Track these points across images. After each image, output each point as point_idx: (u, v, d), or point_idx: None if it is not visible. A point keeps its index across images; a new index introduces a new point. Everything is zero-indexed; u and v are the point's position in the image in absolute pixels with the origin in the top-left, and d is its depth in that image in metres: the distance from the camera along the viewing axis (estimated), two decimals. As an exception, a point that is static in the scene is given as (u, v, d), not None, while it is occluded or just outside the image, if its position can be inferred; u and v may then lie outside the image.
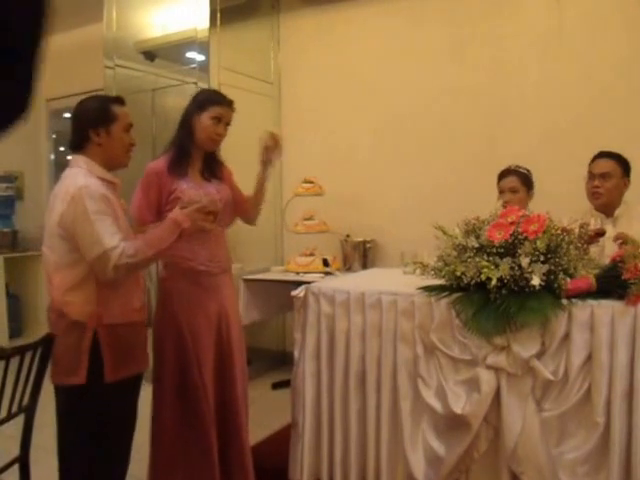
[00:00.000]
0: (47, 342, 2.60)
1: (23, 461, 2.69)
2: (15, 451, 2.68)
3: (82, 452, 2.67)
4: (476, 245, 2.60)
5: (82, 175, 2.64)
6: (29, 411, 2.66)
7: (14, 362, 2.45)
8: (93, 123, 2.70)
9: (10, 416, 2.56)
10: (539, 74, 4.95)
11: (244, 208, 3.42)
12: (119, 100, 2.80)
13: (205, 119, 3.14)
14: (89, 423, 2.64)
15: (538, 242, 2.46)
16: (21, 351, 2.50)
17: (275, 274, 5.55)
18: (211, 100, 3.20)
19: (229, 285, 3.33)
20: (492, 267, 2.48)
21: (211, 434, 3.09)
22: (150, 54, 5.96)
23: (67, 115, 8.44)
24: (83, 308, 2.60)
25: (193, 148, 3.17)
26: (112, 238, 2.51)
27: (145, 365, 2.83)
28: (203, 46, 5.45)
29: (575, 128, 4.78)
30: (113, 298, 2.64)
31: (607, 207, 3.62)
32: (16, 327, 7.38)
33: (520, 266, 2.45)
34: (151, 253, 2.57)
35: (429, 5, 5.40)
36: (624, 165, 3.64)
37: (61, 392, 2.67)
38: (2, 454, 2.65)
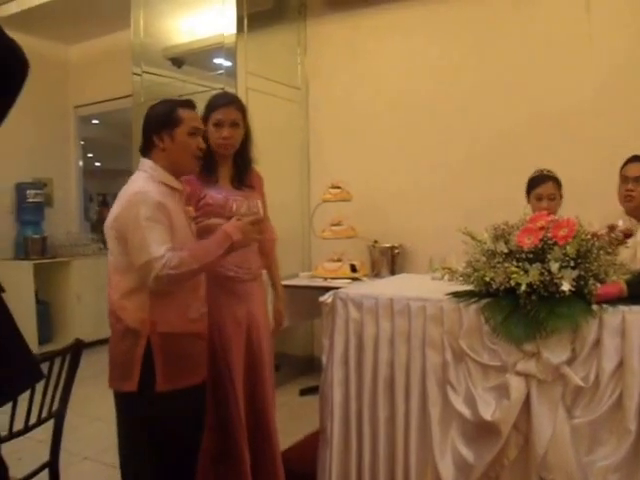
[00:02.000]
0: (76, 348, 2.61)
1: (53, 466, 2.70)
2: (45, 456, 2.70)
3: (136, 460, 2.69)
4: (505, 250, 2.57)
5: (143, 180, 2.64)
6: (59, 416, 2.67)
7: (44, 368, 2.39)
8: (156, 128, 2.68)
9: (40, 421, 2.56)
10: (567, 79, 4.92)
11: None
12: (188, 103, 2.77)
13: (210, 128, 3.14)
14: (141, 431, 2.63)
15: (568, 247, 2.44)
16: (51, 357, 2.50)
17: (303, 280, 5.56)
18: (209, 107, 3.20)
19: (259, 292, 3.32)
20: (521, 273, 2.46)
21: (242, 440, 3.09)
22: (177, 60, 6.00)
23: (95, 122, 8.52)
24: (137, 314, 2.58)
25: (216, 155, 3.18)
26: (159, 247, 2.45)
27: (200, 377, 2.75)
28: (230, 52, 5.46)
29: (605, 131, 4.74)
30: (168, 307, 2.60)
31: (638, 210, 3.58)
32: (45, 333, 7.44)
33: (550, 271, 2.42)
34: (196, 266, 2.50)
35: (456, 10, 5.39)
36: None
37: (117, 397, 2.68)
38: (32, 459, 2.67)
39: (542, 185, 3.83)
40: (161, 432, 2.61)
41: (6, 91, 1.51)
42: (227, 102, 3.21)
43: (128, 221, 2.52)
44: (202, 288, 2.76)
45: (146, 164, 2.70)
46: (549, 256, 2.45)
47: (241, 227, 2.57)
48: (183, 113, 2.68)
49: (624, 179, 3.64)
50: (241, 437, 3.08)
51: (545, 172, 3.88)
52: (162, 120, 2.67)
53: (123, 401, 2.67)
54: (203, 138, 3.12)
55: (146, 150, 2.72)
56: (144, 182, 2.62)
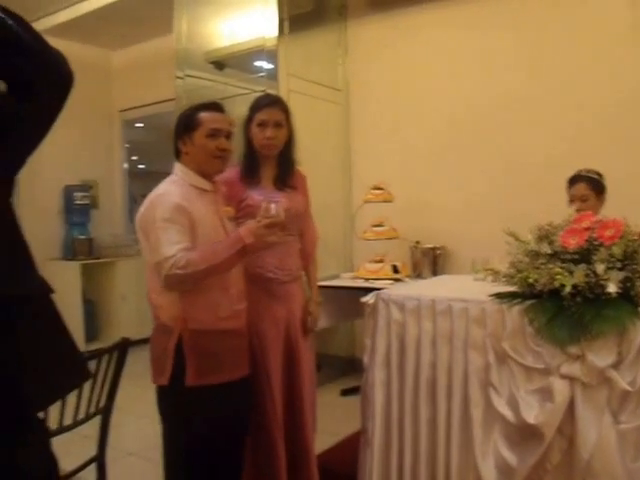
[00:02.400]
0: (123, 346, 2.69)
1: (100, 461, 2.78)
2: (92, 451, 2.77)
3: (173, 456, 2.75)
4: (549, 251, 2.54)
5: (168, 182, 2.74)
6: (105, 412, 2.74)
7: (91, 365, 2.45)
8: (178, 133, 2.78)
9: (88, 417, 2.64)
10: (612, 77, 4.84)
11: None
12: (211, 106, 2.81)
13: (253, 128, 3.17)
14: (176, 425, 2.72)
15: (614, 248, 2.40)
16: (98, 355, 2.58)
17: (345, 281, 5.56)
18: (253, 108, 3.22)
19: (299, 293, 3.33)
20: (566, 274, 2.42)
21: (279, 443, 3.10)
22: (219, 64, 6.06)
23: (139, 125, 8.62)
24: (170, 311, 2.66)
25: (259, 156, 3.20)
26: (170, 248, 2.51)
27: (234, 374, 2.77)
28: (271, 54, 5.49)
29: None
30: (198, 305, 2.66)
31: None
32: (91, 331, 7.58)
33: (595, 273, 2.38)
34: (203, 267, 2.52)
35: (497, 10, 5.34)
36: None
37: (156, 391, 2.75)
38: (80, 454, 2.72)
39: (574, 186, 3.79)
40: (194, 427, 2.67)
41: (52, 103, 1.55)
42: (270, 102, 3.23)
43: (147, 222, 2.61)
44: (235, 286, 2.78)
45: (176, 167, 2.79)
46: (595, 257, 2.42)
47: (254, 230, 2.55)
48: (202, 116, 2.74)
49: None
50: (278, 439, 3.09)
51: (582, 172, 3.83)
52: (183, 125, 2.78)
53: (159, 395, 2.74)
54: (247, 139, 3.16)
55: (176, 155, 2.81)
56: (168, 185, 2.72)
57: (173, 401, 2.70)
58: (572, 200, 3.74)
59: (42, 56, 1.46)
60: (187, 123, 2.76)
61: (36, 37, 1.46)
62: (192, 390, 2.63)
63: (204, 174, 2.76)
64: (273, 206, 2.60)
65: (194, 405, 2.65)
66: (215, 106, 2.82)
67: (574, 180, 3.81)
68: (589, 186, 3.75)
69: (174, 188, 2.69)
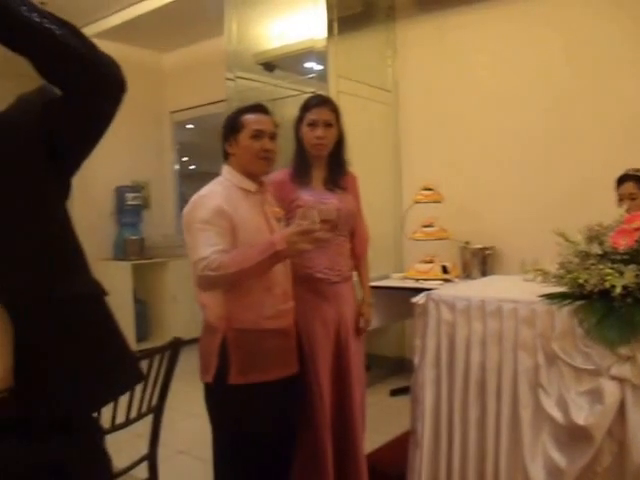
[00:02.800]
0: (175, 346, 2.70)
1: (151, 459, 2.81)
2: (143, 449, 2.80)
3: (219, 454, 2.80)
4: (599, 252, 2.52)
5: (214, 183, 2.80)
6: (157, 411, 2.77)
7: (143, 365, 2.50)
8: (225, 135, 2.84)
9: (140, 416, 2.67)
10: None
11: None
12: (254, 108, 2.86)
13: (304, 127, 3.20)
14: (222, 423, 2.77)
15: (665, 249, 2.38)
16: (150, 355, 2.61)
17: (394, 281, 5.56)
18: (303, 108, 3.25)
19: (349, 294, 3.34)
20: (616, 274, 2.40)
21: (327, 441, 3.11)
22: (269, 65, 6.10)
23: (190, 126, 8.71)
24: (215, 311, 2.71)
25: (310, 157, 3.22)
26: (205, 249, 2.55)
27: (280, 373, 2.78)
28: (321, 56, 5.52)
29: None
30: (242, 304, 2.69)
31: None
32: (143, 331, 7.69)
33: (646, 274, 2.36)
34: (233, 270, 2.53)
35: (546, 8, 5.29)
36: None
37: (203, 389, 2.80)
38: (132, 452, 2.76)
39: (622, 185, 3.80)
40: (238, 425, 2.71)
41: (105, 110, 1.58)
42: (320, 102, 3.25)
43: (189, 222, 2.66)
44: (280, 287, 2.80)
45: (223, 169, 2.84)
46: (645, 258, 2.40)
47: (287, 237, 2.55)
48: (246, 118, 2.79)
49: None
50: (325, 437, 3.11)
51: (630, 172, 3.81)
52: (229, 127, 2.83)
53: (205, 393, 2.79)
54: (297, 139, 3.18)
55: (224, 157, 2.86)
56: (213, 186, 2.77)
57: (217, 399, 2.75)
58: (621, 199, 3.74)
59: (95, 64, 1.48)
60: (232, 125, 2.81)
61: (88, 45, 1.48)
62: (235, 388, 2.67)
63: (250, 175, 2.80)
64: (315, 212, 2.61)
65: (238, 403, 2.69)
66: (259, 108, 2.86)
67: (622, 179, 3.81)
68: (637, 185, 3.73)
69: (218, 189, 2.74)
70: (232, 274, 2.55)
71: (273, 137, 2.82)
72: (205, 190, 2.75)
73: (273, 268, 2.66)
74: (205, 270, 2.53)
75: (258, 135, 2.76)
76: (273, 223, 2.84)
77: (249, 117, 2.79)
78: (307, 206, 2.95)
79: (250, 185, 2.79)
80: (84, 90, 1.49)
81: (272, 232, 2.77)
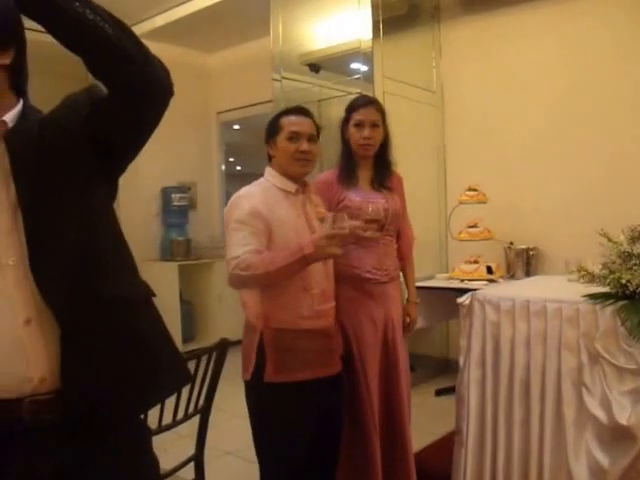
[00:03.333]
0: (222, 347, 2.72)
1: (198, 460, 2.81)
2: (189, 450, 2.80)
3: (259, 451, 2.80)
4: (643, 252, 2.53)
5: (254, 184, 2.83)
6: (204, 412, 2.78)
7: (191, 365, 2.48)
8: (266, 137, 2.87)
9: (187, 417, 2.68)
10: None
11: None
12: (293, 110, 2.88)
13: (350, 128, 3.21)
14: (260, 421, 2.77)
15: None
16: (198, 355, 2.61)
17: (439, 281, 5.55)
18: (349, 108, 3.26)
19: (396, 293, 3.34)
20: (659, 275, 2.41)
21: (375, 440, 3.11)
22: (315, 66, 6.09)
23: (236, 127, 8.74)
24: (254, 309, 2.74)
25: (356, 157, 3.24)
26: (238, 249, 2.58)
27: (319, 373, 2.77)
28: (366, 57, 5.51)
29: None
30: (278, 303, 2.71)
31: None
32: (189, 332, 7.69)
33: (689, 274, 2.37)
34: (261, 271, 2.55)
35: (590, 9, 5.25)
36: None
37: (244, 387, 2.82)
38: (179, 453, 2.78)
39: None
40: (274, 424, 2.72)
41: (152, 112, 1.61)
42: (367, 103, 3.27)
43: (225, 222, 2.71)
44: (318, 287, 2.79)
45: (266, 171, 2.87)
46: (688, 258, 2.40)
47: (316, 241, 2.54)
48: (284, 120, 2.81)
49: None
50: (373, 436, 3.11)
51: None
52: (269, 130, 2.86)
53: (245, 391, 2.81)
54: (344, 140, 3.21)
55: (268, 158, 2.90)
56: (251, 187, 2.81)
57: (255, 397, 2.77)
58: None
59: (144, 67, 1.49)
60: (272, 127, 2.85)
61: (140, 47, 1.50)
62: (271, 386, 2.68)
63: (289, 176, 2.81)
64: (345, 216, 2.60)
65: (273, 402, 2.71)
66: (300, 110, 2.89)
67: None
68: None
69: (256, 190, 2.78)
70: (260, 275, 2.57)
71: (312, 139, 2.83)
72: (243, 190, 2.79)
73: (310, 268, 2.67)
74: (235, 269, 2.56)
75: (295, 137, 2.78)
76: (315, 224, 2.85)
77: (288, 119, 2.82)
78: (336, 211, 3.00)
79: (290, 186, 2.81)
80: (132, 92, 1.51)
81: (313, 233, 2.77)
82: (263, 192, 2.76)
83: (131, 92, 1.51)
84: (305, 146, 2.79)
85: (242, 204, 2.69)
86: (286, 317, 2.72)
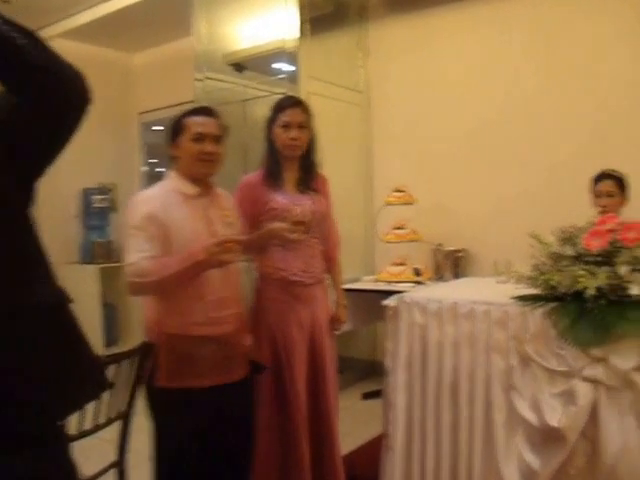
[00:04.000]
0: (144, 350, 2.67)
1: (120, 466, 2.76)
2: (112, 456, 2.75)
3: (157, 454, 2.77)
4: (572, 253, 2.53)
5: (154, 187, 2.80)
6: (126, 417, 2.72)
7: (112, 370, 2.49)
8: (168, 138, 2.81)
9: (108, 422, 2.62)
10: (632, 74, 4.81)
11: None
12: (198, 110, 2.84)
13: (276, 128, 3.18)
14: (153, 425, 2.75)
15: (637, 250, 2.38)
16: (118, 359, 2.56)
17: (366, 284, 5.55)
18: (275, 109, 3.23)
19: (323, 296, 3.34)
20: (589, 276, 2.41)
21: (303, 443, 3.12)
22: (239, 66, 6.04)
23: (157, 128, 8.62)
24: (151, 315, 2.75)
25: (282, 159, 3.21)
26: (133, 255, 2.57)
27: (214, 380, 2.76)
28: (291, 56, 5.50)
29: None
30: (172, 309, 2.70)
31: None
32: (111, 335, 7.55)
33: (618, 275, 2.37)
34: (155, 278, 2.55)
35: (517, 10, 5.31)
36: None
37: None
38: (100, 459, 2.71)
39: (601, 182, 3.94)
40: (166, 430, 2.72)
41: (68, 119, 1.56)
42: (294, 104, 3.24)
43: (125, 226, 2.68)
44: (214, 294, 2.75)
45: (167, 173, 2.83)
46: (618, 259, 2.40)
47: (208, 247, 2.54)
48: (188, 120, 2.76)
49: None
50: (302, 438, 3.12)
51: (608, 171, 3.95)
52: (172, 130, 2.80)
53: (144, 395, 2.77)
54: (269, 141, 3.17)
55: (171, 160, 2.85)
56: (151, 190, 2.79)
57: (150, 402, 2.74)
58: (598, 196, 3.87)
59: (57, 76, 1.46)
60: (175, 128, 2.79)
61: (52, 56, 1.46)
62: (164, 392, 2.67)
63: (192, 178, 2.78)
64: (240, 222, 2.71)
65: (166, 407, 2.70)
66: (204, 110, 2.85)
67: (600, 177, 3.97)
68: (615, 183, 3.89)
69: (155, 193, 2.74)
70: (154, 282, 2.56)
71: (217, 140, 2.80)
72: (142, 194, 2.77)
73: (206, 274, 2.65)
74: (132, 276, 2.56)
75: (199, 138, 2.74)
76: (218, 228, 2.80)
77: (192, 119, 2.77)
78: (263, 213, 3.08)
79: (191, 189, 2.77)
80: (46, 102, 1.47)
81: (214, 237, 2.72)
82: (162, 195, 2.72)
83: (45, 102, 1.47)
84: (210, 147, 2.75)
85: (138, 209, 2.66)
86: (177, 323, 2.70)
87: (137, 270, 2.55)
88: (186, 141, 2.74)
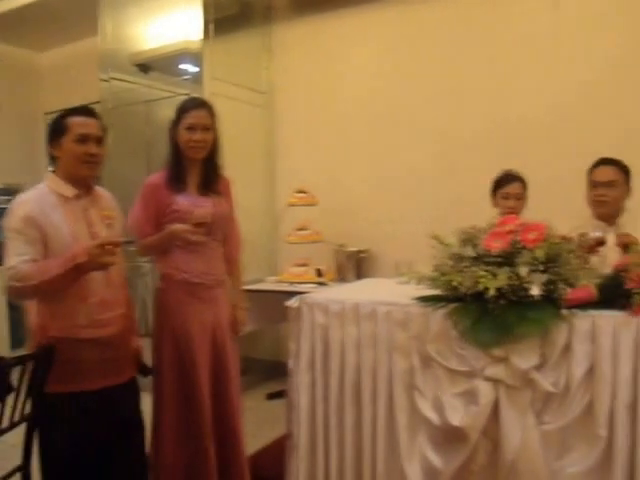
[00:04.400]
0: (48, 352, 2.61)
1: (25, 470, 2.72)
2: (18, 460, 2.70)
3: (44, 458, 2.72)
4: (473, 254, 2.54)
5: (33, 189, 2.75)
6: (30, 420, 2.68)
7: (16, 372, 2.48)
8: (49, 138, 2.76)
9: (12, 425, 2.57)
10: (535, 76, 4.93)
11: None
12: (80, 110, 2.79)
13: (180, 130, 3.16)
14: (43, 433, 2.69)
15: (537, 251, 2.41)
16: (22, 361, 2.52)
17: (269, 284, 5.55)
18: (180, 110, 3.21)
19: (224, 297, 3.34)
20: (490, 277, 2.43)
21: (209, 445, 3.13)
22: (144, 66, 5.98)
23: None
24: (33, 318, 2.70)
25: (185, 160, 3.19)
26: (12, 259, 2.53)
27: (102, 383, 2.75)
28: (196, 57, 5.49)
29: (572, 131, 4.79)
30: (56, 313, 2.67)
31: (609, 216, 3.55)
32: (17, 338, 7.37)
33: (519, 276, 2.40)
34: (35, 282, 2.51)
35: (422, 11, 5.38)
36: (626, 172, 3.58)
37: None
38: (5, 463, 2.71)
39: (510, 185, 3.92)
40: (56, 433, 2.68)
41: None
42: (198, 105, 3.23)
43: (4, 229, 2.63)
44: (96, 296, 2.74)
45: (46, 176, 2.79)
46: (518, 260, 2.43)
47: (89, 249, 2.51)
48: (71, 121, 2.73)
49: (594, 184, 3.59)
50: (207, 439, 3.13)
51: (513, 172, 3.95)
52: (52, 130, 2.76)
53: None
54: (173, 142, 3.14)
55: (51, 161, 2.80)
56: (29, 192, 2.74)
57: (37, 407, 2.67)
58: (506, 198, 3.86)
59: None
60: (56, 128, 2.74)
61: None
62: (53, 397, 2.63)
63: (73, 180, 2.74)
64: (119, 225, 2.72)
65: (55, 412, 2.66)
66: (86, 110, 2.81)
67: (509, 179, 3.93)
68: (523, 185, 3.89)
69: (32, 196, 2.69)
70: (34, 286, 2.52)
71: (99, 141, 2.77)
72: (21, 197, 2.71)
73: (88, 277, 2.63)
74: (10, 280, 2.52)
75: (82, 139, 2.70)
76: (98, 229, 2.79)
77: (75, 120, 2.73)
78: (166, 215, 3.08)
79: (69, 190, 2.73)
80: None
81: (94, 239, 2.70)
82: (39, 198, 2.67)
83: None
84: (93, 149, 2.72)
85: (17, 212, 2.61)
86: (62, 326, 2.67)
87: (16, 274, 2.50)
88: (69, 142, 2.70)
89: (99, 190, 2.90)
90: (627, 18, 4.62)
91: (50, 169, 2.79)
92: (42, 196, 2.67)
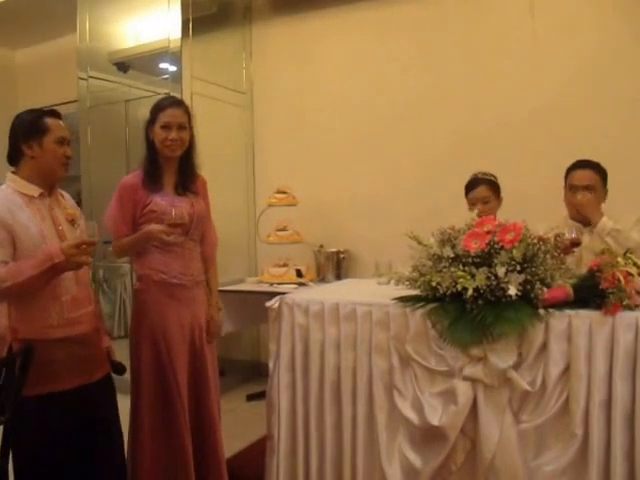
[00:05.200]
0: (26, 354, 2.57)
1: (2, 470, 2.64)
2: None
3: (17, 459, 2.69)
4: (451, 255, 2.56)
5: None
6: (7, 422, 2.61)
7: None
8: (25, 136, 2.73)
9: None
10: (512, 81, 4.96)
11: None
12: (53, 113, 2.81)
13: (156, 129, 3.16)
14: (18, 435, 2.64)
15: (514, 251, 2.43)
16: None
17: (249, 285, 5.53)
18: (155, 109, 3.21)
19: (202, 298, 3.34)
20: (468, 277, 2.45)
21: (188, 446, 3.11)
22: (123, 65, 5.96)
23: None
24: (3, 321, 2.65)
25: (161, 159, 3.19)
26: None
27: (77, 381, 2.75)
28: (175, 56, 5.44)
29: (549, 133, 4.80)
30: (27, 313, 2.65)
31: (586, 217, 3.54)
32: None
33: (496, 276, 2.41)
34: (9, 283, 2.51)
35: (401, 14, 5.40)
36: (603, 175, 3.59)
37: None
38: None
39: (474, 189, 3.86)
40: (31, 438, 2.66)
41: None
42: (174, 104, 3.22)
43: None
44: (68, 294, 2.75)
45: (8, 177, 2.77)
46: (496, 260, 2.45)
47: (65, 249, 2.52)
48: (50, 122, 2.75)
49: (572, 188, 3.56)
50: (187, 442, 3.11)
51: (479, 175, 3.90)
52: (30, 129, 2.74)
53: None
54: (148, 141, 3.13)
55: (14, 159, 2.79)
56: None
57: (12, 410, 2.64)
58: (473, 203, 3.79)
59: None
60: (35, 127, 2.74)
61: None
62: (24, 400, 2.58)
63: (46, 179, 2.76)
64: (95, 225, 2.62)
65: (28, 415, 2.63)
66: (58, 114, 2.84)
67: (474, 184, 3.87)
68: (489, 188, 3.82)
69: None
70: (8, 288, 2.52)
71: (69, 144, 2.82)
72: None
73: (61, 276, 2.63)
74: None
75: (62, 142, 2.75)
76: (65, 228, 2.79)
77: (53, 122, 2.76)
78: (143, 215, 3.08)
79: (33, 190, 2.74)
80: None
81: (62, 237, 2.73)
82: (5, 198, 2.67)
83: None
84: (69, 151, 2.78)
85: None
86: (34, 328, 2.65)
87: None
88: (51, 142, 2.72)
89: (59, 190, 2.91)
90: (600, 19, 4.66)
91: (11, 169, 2.79)
92: (7, 196, 2.67)
